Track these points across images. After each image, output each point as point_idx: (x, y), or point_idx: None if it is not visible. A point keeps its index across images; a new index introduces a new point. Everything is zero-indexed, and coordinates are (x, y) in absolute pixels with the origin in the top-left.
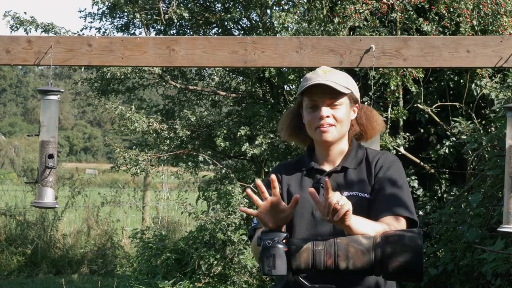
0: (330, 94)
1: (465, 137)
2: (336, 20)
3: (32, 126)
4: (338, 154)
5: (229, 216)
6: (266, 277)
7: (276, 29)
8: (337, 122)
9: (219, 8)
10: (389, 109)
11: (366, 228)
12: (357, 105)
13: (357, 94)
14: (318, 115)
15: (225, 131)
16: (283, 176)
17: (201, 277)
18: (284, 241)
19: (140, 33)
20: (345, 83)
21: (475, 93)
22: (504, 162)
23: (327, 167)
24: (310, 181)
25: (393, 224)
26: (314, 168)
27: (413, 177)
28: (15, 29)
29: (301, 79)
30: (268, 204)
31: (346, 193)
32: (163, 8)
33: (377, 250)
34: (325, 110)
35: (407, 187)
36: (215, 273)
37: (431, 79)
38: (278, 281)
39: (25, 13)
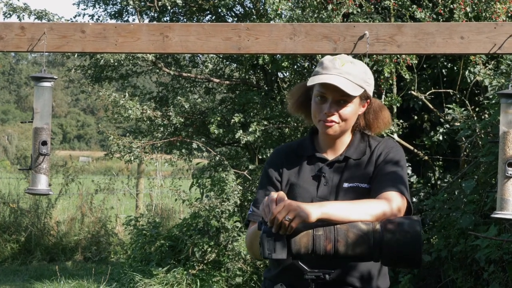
0: (341, 92)
1: (458, 124)
2: (329, 7)
3: (25, 114)
4: (342, 143)
5: (223, 203)
6: (260, 263)
7: (269, 16)
8: (341, 120)
9: None
10: (383, 96)
11: (356, 214)
12: (368, 100)
13: (371, 89)
14: (324, 109)
15: (218, 118)
16: (283, 170)
17: (195, 264)
18: None
19: (134, 20)
20: (361, 79)
21: (469, 80)
22: (498, 149)
23: (330, 155)
24: (310, 169)
25: (392, 198)
26: (316, 156)
27: (406, 164)
28: (8, 15)
29: (319, 61)
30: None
31: (346, 184)
32: None
33: (376, 236)
34: (332, 107)
35: (406, 170)
36: (209, 260)
37: (424, 66)
38: (273, 267)
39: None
